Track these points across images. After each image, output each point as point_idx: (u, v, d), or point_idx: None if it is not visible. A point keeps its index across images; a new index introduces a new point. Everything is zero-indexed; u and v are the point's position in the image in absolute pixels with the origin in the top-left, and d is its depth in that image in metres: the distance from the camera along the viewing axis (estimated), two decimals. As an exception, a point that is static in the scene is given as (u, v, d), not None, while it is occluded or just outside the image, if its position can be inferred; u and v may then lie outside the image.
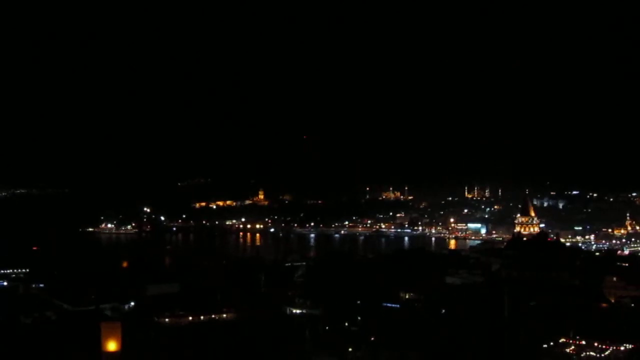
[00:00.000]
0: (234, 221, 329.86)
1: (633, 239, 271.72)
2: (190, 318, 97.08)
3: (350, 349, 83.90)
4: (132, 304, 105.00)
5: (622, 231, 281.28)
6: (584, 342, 79.84)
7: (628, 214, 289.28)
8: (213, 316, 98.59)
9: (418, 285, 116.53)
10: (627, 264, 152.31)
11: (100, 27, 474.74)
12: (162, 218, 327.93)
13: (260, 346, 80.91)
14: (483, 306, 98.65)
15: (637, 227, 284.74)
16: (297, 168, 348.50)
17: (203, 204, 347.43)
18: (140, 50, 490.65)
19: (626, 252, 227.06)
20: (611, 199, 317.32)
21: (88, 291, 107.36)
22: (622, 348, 77.83)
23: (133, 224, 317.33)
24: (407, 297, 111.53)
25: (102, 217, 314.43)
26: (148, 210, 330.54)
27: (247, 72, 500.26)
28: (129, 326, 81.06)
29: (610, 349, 77.65)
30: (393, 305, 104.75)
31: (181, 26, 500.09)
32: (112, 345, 28.38)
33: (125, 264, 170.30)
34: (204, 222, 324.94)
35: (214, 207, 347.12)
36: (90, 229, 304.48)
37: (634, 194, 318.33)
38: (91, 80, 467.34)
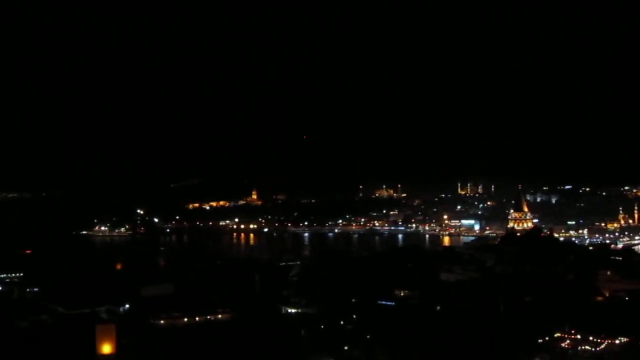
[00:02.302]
0: (227, 221, 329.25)
1: (626, 233, 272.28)
2: (186, 319, 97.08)
3: (346, 348, 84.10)
4: (127, 306, 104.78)
5: (615, 225, 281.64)
6: (579, 336, 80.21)
7: (621, 208, 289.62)
8: (208, 317, 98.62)
9: (413, 282, 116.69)
10: (620, 258, 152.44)
11: (91, 27, 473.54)
12: (156, 220, 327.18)
13: (256, 346, 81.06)
14: (478, 302, 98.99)
15: (630, 221, 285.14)
16: (290, 167, 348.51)
17: (196, 204, 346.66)
18: (131, 52, 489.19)
19: (620, 245, 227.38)
20: (604, 193, 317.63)
21: (83, 294, 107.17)
22: (617, 342, 78.23)
23: (127, 226, 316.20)
24: (402, 294, 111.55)
25: (95, 220, 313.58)
26: (141, 212, 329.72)
27: (237, 71, 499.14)
28: (125, 328, 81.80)
29: (606, 343, 78.04)
30: (388, 302, 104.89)
31: (171, 26, 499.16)
32: (107, 348, 28.39)
33: (119, 266, 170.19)
34: (197, 223, 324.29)
35: (208, 207, 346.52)
36: (84, 232, 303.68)
37: (626, 188, 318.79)
38: (83, 83, 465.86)
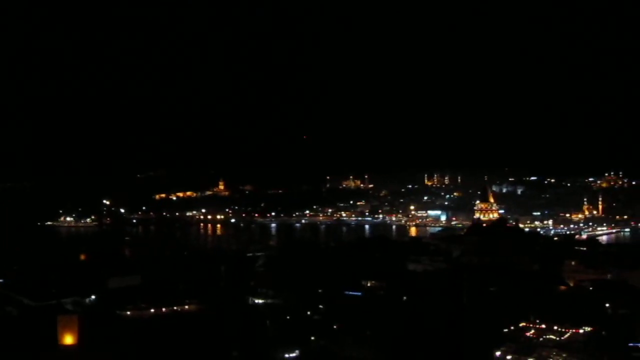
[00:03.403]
0: (194, 212, 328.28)
1: (591, 224, 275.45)
2: (152, 310, 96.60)
3: (312, 338, 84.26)
4: (94, 297, 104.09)
5: (580, 216, 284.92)
6: (544, 326, 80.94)
7: (585, 199, 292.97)
8: (175, 308, 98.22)
9: (380, 272, 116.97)
10: (585, 248, 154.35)
11: (53, 16, 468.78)
12: (122, 210, 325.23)
13: (223, 337, 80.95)
14: (444, 293, 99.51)
15: (595, 212, 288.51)
16: (257, 158, 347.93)
17: (163, 195, 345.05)
18: (96, 40, 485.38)
19: (584, 236, 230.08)
20: (569, 184, 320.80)
21: (48, 286, 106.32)
22: (581, 331, 78.96)
23: (93, 217, 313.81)
24: (369, 284, 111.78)
25: (60, 211, 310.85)
26: (108, 202, 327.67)
27: (205, 59, 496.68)
28: (90, 320, 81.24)
29: (570, 332, 78.77)
30: (355, 293, 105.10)
31: (133, 16, 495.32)
32: (69, 339, 28.15)
33: (85, 258, 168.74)
34: (164, 213, 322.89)
35: (174, 198, 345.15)
36: (49, 223, 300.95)
37: (591, 179, 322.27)
38: (48, 73, 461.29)
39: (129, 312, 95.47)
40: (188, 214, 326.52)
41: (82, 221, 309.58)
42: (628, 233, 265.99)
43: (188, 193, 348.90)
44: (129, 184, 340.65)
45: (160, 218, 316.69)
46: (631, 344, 77.21)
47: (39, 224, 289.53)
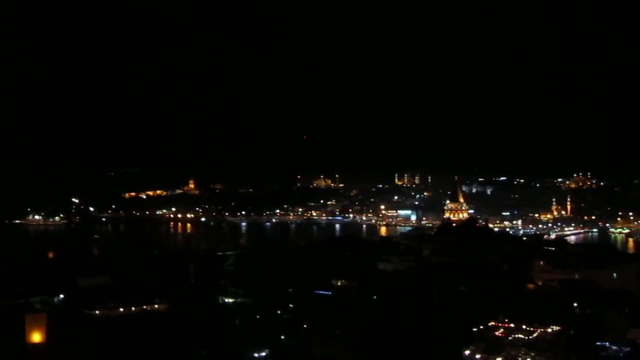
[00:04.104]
0: (164, 211, 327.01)
1: (559, 224, 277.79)
2: (122, 310, 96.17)
3: (282, 337, 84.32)
4: (62, 296, 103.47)
5: (549, 216, 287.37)
6: (512, 325, 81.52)
7: (554, 199, 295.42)
8: (145, 307, 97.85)
9: (350, 272, 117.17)
10: (553, 248, 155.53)
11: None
12: (92, 209, 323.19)
13: (192, 336, 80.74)
14: (415, 292, 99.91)
15: (563, 212, 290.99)
16: (228, 157, 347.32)
17: (133, 194, 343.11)
18: (65, 39, 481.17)
19: (552, 236, 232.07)
20: (538, 185, 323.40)
21: (16, 285, 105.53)
22: (549, 330, 79.63)
23: (62, 215, 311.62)
24: (339, 284, 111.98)
25: (29, 209, 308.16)
26: (77, 201, 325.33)
27: (175, 59, 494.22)
28: (59, 319, 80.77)
29: (538, 331, 79.40)
30: (325, 292, 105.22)
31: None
32: (36, 337, 28.00)
33: (54, 256, 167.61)
34: (134, 212, 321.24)
35: (144, 197, 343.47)
36: (17, 221, 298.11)
37: (559, 180, 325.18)
38: (18, 68, 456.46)
39: (98, 312, 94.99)
40: (158, 212, 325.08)
41: (51, 219, 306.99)
42: (596, 233, 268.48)
43: (158, 192, 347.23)
44: (99, 182, 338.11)
45: (130, 217, 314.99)
46: (598, 343, 78.08)
47: (6, 222, 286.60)
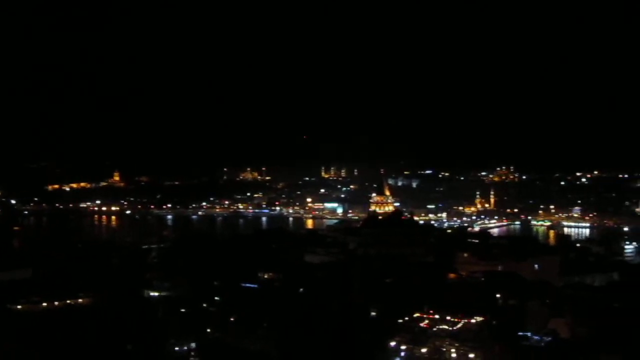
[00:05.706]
0: (88, 203, 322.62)
1: (483, 217, 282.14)
2: (45, 304, 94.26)
3: (208, 330, 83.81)
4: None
5: (473, 209, 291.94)
6: (437, 316, 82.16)
7: (478, 193, 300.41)
8: (68, 301, 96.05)
9: (277, 264, 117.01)
10: (477, 240, 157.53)
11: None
12: (13, 201, 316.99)
13: (117, 330, 79.73)
14: (341, 284, 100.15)
15: (487, 205, 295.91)
16: (153, 149, 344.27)
17: (56, 186, 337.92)
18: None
19: (476, 228, 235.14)
20: (462, 178, 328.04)
21: None
22: (473, 321, 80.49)
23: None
24: (265, 276, 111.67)
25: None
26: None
27: (101, 53, 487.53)
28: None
29: (462, 322, 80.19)
30: (252, 285, 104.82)
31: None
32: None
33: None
34: (57, 205, 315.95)
35: (68, 189, 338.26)
36: None
37: (483, 173, 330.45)
38: None
39: (19, 306, 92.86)
40: (82, 205, 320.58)
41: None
42: (518, 226, 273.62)
43: (82, 184, 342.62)
44: (21, 175, 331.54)
45: (53, 209, 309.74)
46: (520, 333, 79.39)
47: None
